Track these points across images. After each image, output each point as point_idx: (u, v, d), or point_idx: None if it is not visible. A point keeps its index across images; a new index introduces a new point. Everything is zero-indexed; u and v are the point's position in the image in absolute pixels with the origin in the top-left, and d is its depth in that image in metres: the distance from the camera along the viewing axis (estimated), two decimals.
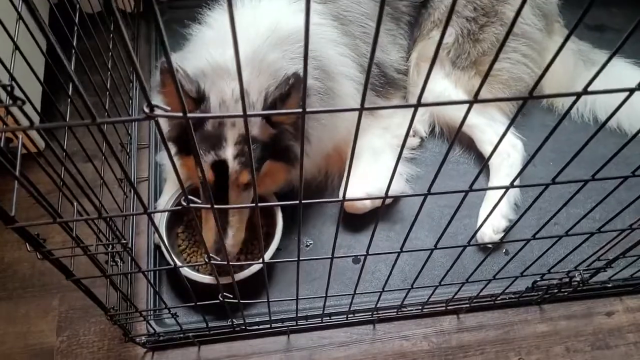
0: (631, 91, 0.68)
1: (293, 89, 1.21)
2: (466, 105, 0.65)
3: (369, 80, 0.57)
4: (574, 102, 0.72)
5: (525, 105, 1.84)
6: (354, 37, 1.64)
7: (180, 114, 0.55)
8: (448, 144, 1.90)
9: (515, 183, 0.86)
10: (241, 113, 0.56)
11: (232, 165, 1.27)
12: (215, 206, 0.78)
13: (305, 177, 1.64)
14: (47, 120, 1.09)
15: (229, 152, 1.26)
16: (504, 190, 0.89)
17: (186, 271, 1.44)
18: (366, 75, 0.56)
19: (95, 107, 0.61)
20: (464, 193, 0.85)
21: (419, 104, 0.60)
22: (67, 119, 1.19)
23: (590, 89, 0.65)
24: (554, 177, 0.85)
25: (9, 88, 0.57)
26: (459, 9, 1.77)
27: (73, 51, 1.19)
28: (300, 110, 0.57)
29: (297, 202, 0.78)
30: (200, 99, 1.27)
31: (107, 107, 1.49)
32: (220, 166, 1.28)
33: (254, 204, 0.81)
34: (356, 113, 0.60)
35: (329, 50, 1.52)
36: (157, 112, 0.53)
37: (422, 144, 1.90)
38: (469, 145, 1.88)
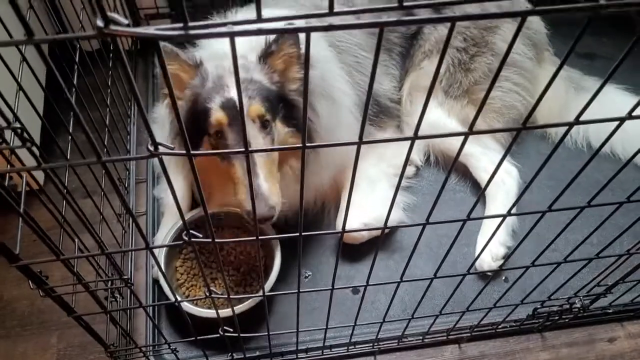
0: (621, 120, 0.69)
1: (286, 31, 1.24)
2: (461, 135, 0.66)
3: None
4: (567, 132, 0.73)
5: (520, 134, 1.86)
6: (347, 65, 1.67)
7: (184, 151, 0.56)
8: (443, 172, 1.91)
9: (512, 211, 0.88)
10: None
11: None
12: (217, 240, 0.78)
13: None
14: (47, 157, 1.10)
15: (233, 91, 1.29)
16: (501, 218, 0.90)
17: (185, 305, 1.43)
18: (365, 107, 0.57)
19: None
20: (461, 222, 0.86)
21: (416, 137, 0.61)
22: (68, 156, 1.21)
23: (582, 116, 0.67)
24: (550, 204, 0.86)
25: (19, 130, 0.58)
26: None
27: (73, 89, 1.21)
28: (300, 145, 0.58)
29: (297, 234, 0.79)
30: (197, 64, 1.33)
31: (106, 144, 1.51)
32: (229, 106, 1.30)
33: (254, 237, 0.82)
34: (354, 132, 0.61)
35: (326, 65, 1.55)
36: (161, 149, 0.54)
37: (417, 172, 1.91)
38: (464, 173, 1.90)
